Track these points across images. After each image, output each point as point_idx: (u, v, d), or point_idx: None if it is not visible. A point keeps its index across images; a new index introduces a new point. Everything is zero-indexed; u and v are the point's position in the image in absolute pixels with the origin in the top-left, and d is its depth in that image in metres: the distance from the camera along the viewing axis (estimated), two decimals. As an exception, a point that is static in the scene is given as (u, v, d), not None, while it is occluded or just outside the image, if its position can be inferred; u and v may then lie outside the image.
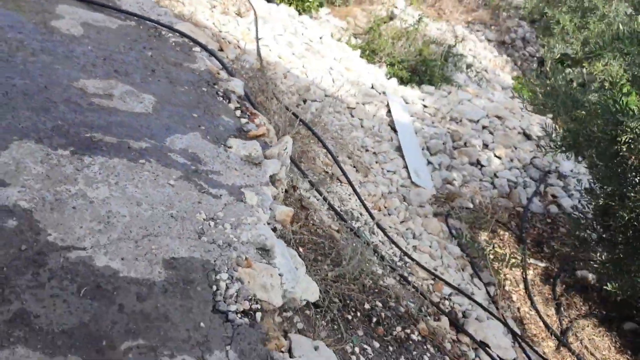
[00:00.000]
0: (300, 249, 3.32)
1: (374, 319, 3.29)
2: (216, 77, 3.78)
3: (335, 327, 3.02)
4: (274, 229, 2.84)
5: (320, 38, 7.96)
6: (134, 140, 2.78)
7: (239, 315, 2.22)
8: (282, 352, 2.33)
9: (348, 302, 3.26)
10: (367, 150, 6.07)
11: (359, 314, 3.25)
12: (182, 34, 4.16)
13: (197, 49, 4.10)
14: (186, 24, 4.50)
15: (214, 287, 2.23)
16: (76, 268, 2.02)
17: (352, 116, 6.59)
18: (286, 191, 3.74)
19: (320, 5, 9.41)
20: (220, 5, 6.65)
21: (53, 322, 1.82)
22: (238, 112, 3.52)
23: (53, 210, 2.20)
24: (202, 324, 2.06)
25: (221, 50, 5.23)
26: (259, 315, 2.30)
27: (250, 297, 2.32)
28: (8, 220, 2.07)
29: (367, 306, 3.33)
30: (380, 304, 3.43)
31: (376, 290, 3.54)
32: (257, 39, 6.29)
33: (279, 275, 2.55)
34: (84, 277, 2.00)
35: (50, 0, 3.89)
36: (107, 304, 1.96)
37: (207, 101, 3.46)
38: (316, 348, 2.60)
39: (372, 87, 7.47)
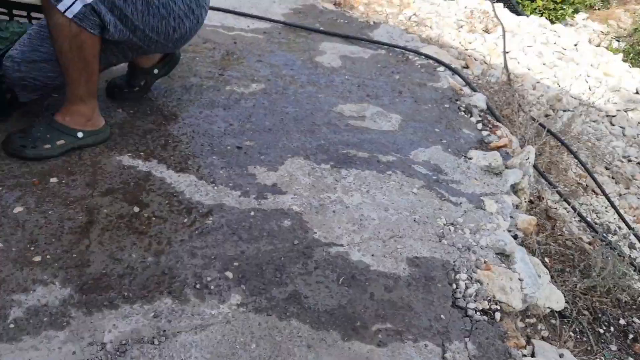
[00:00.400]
0: (546, 259, 3.28)
1: (631, 336, 3.07)
2: (458, 93, 3.98)
3: (584, 339, 2.91)
4: (515, 236, 2.89)
5: (575, 45, 7.53)
6: (382, 155, 3.14)
7: (478, 312, 2.36)
8: (524, 354, 2.39)
9: (600, 315, 3.11)
10: (629, 161, 5.56)
11: (612, 328, 3.07)
12: (427, 56, 4.46)
13: (441, 68, 4.35)
14: (431, 47, 4.79)
15: (454, 285, 2.41)
16: (335, 261, 2.41)
17: (612, 124, 6.11)
18: (531, 201, 3.72)
19: (576, 11, 8.88)
20: (467, 25, 6.82)
21: (318, 302, 2.21)
22: (479, 125, 3.65)
23: (317, 213, 2.65)
24: (442, 316, 2.26)
25: (467, 67, 5.40)
26: (498, 315, 2.40)
27: (489, 298, 2.44)
28: (284, 221, 2.57)
29: (622, 322, 3.12)
30: (638, 321, 3.18)
31: (634, 307, 3.29)
32: (504, 53, 6.29)
33: (519, 279, 2.61)
34: (342, 269, 2.37)
35: (315, 39, 4.56)
36: (360, 291, 2.29)
37: (448, 116, 3.68)
38: (561, 356, 2.56)
39: (637, 92, 6.79)
